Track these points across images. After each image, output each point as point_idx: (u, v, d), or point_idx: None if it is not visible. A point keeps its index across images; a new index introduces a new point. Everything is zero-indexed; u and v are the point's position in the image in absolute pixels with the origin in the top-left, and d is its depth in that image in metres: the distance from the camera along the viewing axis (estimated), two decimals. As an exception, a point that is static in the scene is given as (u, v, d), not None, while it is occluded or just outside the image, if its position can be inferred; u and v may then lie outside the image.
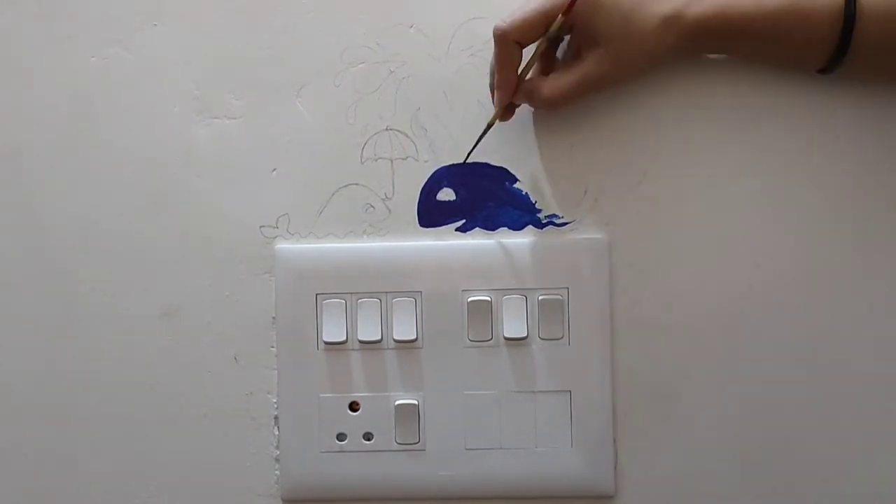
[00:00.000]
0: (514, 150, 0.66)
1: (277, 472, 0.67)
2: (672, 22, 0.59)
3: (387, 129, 0.66)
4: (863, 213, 0.64)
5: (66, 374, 0.68)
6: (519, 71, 0.61)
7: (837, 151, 0.64)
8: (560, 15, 0.58)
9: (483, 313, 0.65)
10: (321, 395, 0.66)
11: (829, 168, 0.65)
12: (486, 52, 0.65)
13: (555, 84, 0.60)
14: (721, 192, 0.65)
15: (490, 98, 0.64)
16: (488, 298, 0.65)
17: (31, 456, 0.68)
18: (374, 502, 0.67)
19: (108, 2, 0.67)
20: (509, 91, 0.61)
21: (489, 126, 0.63)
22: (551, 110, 0.64)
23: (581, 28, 0.59)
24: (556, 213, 0.66)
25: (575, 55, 0.61)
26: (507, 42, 0.59)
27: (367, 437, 0.66)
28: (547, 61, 0.64)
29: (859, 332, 0.65)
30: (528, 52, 0.61)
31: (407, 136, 0.66)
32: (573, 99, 0.61)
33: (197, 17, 0.67)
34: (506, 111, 0.63)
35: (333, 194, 0.67)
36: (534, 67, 0.62)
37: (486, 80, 0.65)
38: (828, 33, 0.58)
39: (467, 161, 0.65)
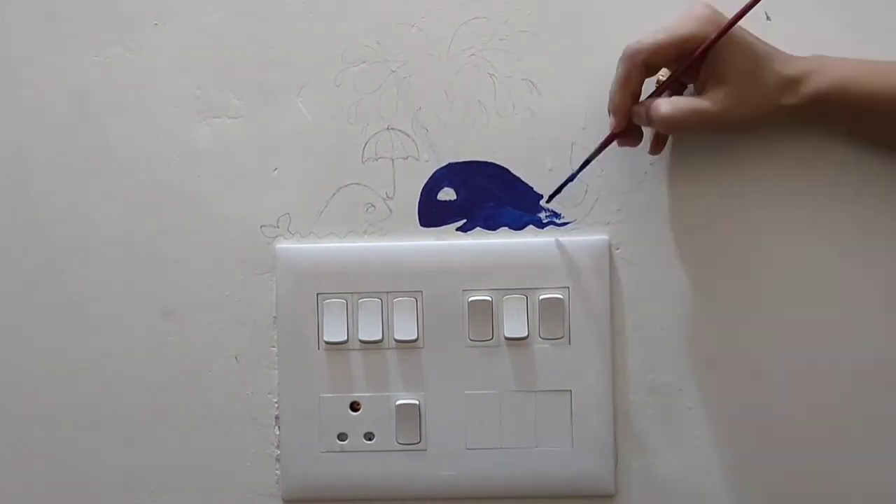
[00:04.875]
0: (514, 149, 0.66)
1: (278, 472, 0.67)
2: (793, 86, 0.58)
3: (388, 129, 0.66)
4: (863, 213, 0.65)
5: (66, 374, 0.67)
6: (640, 97, 0.61)
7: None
8: (700, 48, 0.58)
9: (484, 313, 0.65)
10: (322, 394, 0.66)
11: (829, 168, 0.65)
12: (487, 51, 0.65)
13: (675, 105, 0.59)
14: (721, 192, 0.65)
15: (491, 98, 0.64)
16: (489, 298, 0.65)
17: (31, 456, 0.68)
18: (375, 502, 0.67)
19: (108, 2, 0.67)
20: (625, 113, 0.60)
21: (599, 150, 0.62)
22: (665, 131, 0.62)
23: (712, 63, 0.58)
24: (557, 213, 0.66)
25: (699, 90, 0.60)
26: (636, 63, 0.59)
27: (368, 436, 0.66)
28: (669, 90, 0.62)
29: (860, 331, 0.65)
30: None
31: (408, 135, 0.66)
32: (688, 126, 0.60)
33: (197, 17, 0.67)
34: (627, 136, 0.62)
35: (334, 194, 0.67)
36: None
37: (487, 80, 0.65)
38: None
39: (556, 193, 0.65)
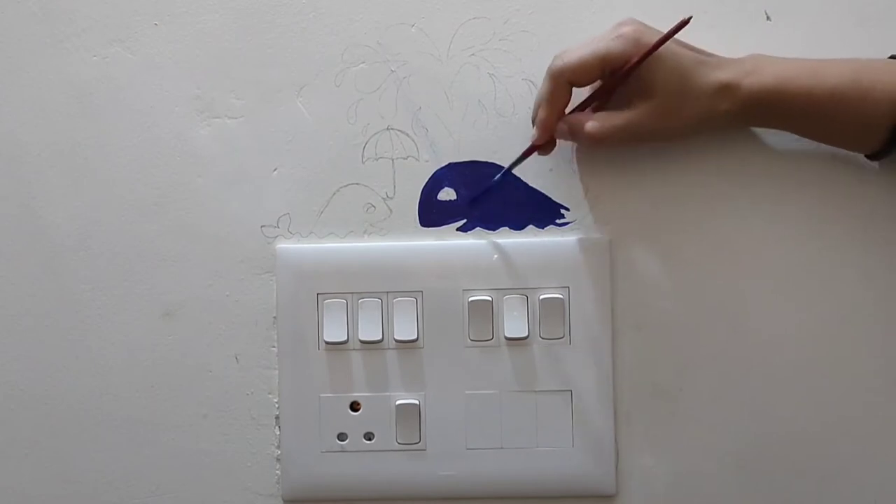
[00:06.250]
0: (514, 149, 0.66)
1: (278, 472, 0.67)
2: (728, 91, 0.58)
3: (388, 129, 0.66)
4: (862, 211, 0.65)
5: (67, 374, 0.67)
6: (566, 111, 0.61)
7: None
8: (627, 66, 0.58)
9: (484, 313, 0.65)
10: (322, 394, 0.66)
11: (827, 167, 0.65)
12: (487, 51, 0.65)
13: (600, 122, 0.59)
14: (721, 193, 0.65)
15: (491, 98, 0.64)
16: (489, 298, 0.65)
17: (31, 456, 0.68)
18: (375, 502, 0.67)
19: (108, 2, 0.67)
20: (549, 129, 0.61)
21: (520, 159, 0.63)
22: (592, 147, 0.63)
23: (638, 78, 0.58)
24: (559, 213, 0.66)
25: (625, 104, 0.60)
26: (561, 81, 0.59)
27: (368, 436, 0.66)
28: (596, 105, 0.63)
29: (860, 330, 0.65)
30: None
31: (408, 135, 0.66)
32: (615, 141, 0.60)
33: (197, 17, 0.67)
34: (546, 146, 0.63)
35: (334, 194, 0.67)
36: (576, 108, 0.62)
37: (487, 80, 0.65)
38: (886, 115, 0.57)
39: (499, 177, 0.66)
